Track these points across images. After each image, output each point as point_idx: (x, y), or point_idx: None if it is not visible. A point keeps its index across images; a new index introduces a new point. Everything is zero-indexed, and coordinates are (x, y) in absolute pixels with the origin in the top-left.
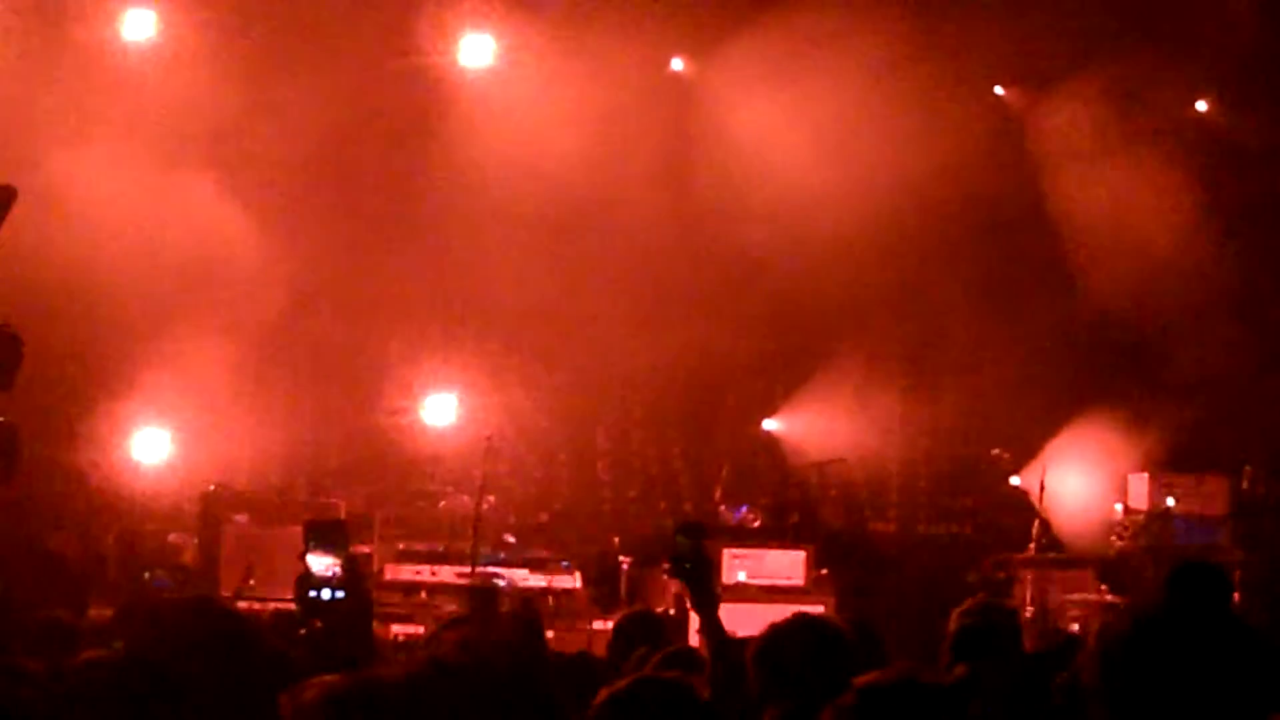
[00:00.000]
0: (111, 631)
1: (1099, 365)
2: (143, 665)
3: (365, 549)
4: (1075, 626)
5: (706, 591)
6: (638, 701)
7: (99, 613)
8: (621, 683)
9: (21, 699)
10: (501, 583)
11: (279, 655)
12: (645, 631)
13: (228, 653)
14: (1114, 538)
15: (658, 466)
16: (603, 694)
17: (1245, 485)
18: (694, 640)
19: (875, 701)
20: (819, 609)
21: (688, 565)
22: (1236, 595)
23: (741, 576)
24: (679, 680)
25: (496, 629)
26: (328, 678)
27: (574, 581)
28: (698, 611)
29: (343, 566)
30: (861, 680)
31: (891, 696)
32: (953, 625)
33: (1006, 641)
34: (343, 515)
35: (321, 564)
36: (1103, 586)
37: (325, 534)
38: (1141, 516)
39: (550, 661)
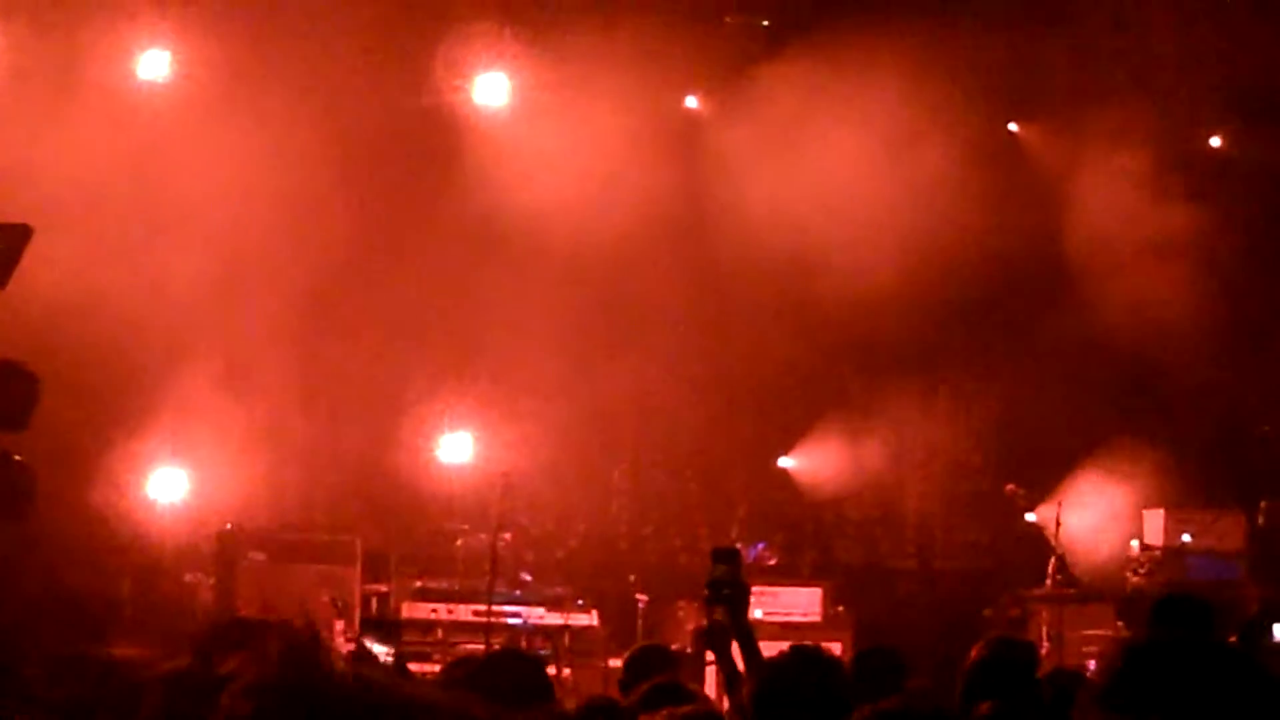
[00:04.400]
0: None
1: (1115, 402)
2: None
3: (382, 587)
4: (1091, 663)
5: (744, 618)
6: None
7: (117, 652)
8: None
9: None
10: (518, 620)
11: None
12: (655, 666)
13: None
14: (1130, 574)
15: (674, 504)
16: None
17: (1261, 521)
18: (711, 677)
19: None
20: (836, 646)
21: (725, 591)
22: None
23: (758, 614)
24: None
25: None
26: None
27: (591, 619)
28: (736, 637)
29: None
30: (875, 706)
31: None
32: (970, 659)
33: (1023, 678)
34: (359, 553)
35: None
36: (1119, 623)
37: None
38: (1158, 552)
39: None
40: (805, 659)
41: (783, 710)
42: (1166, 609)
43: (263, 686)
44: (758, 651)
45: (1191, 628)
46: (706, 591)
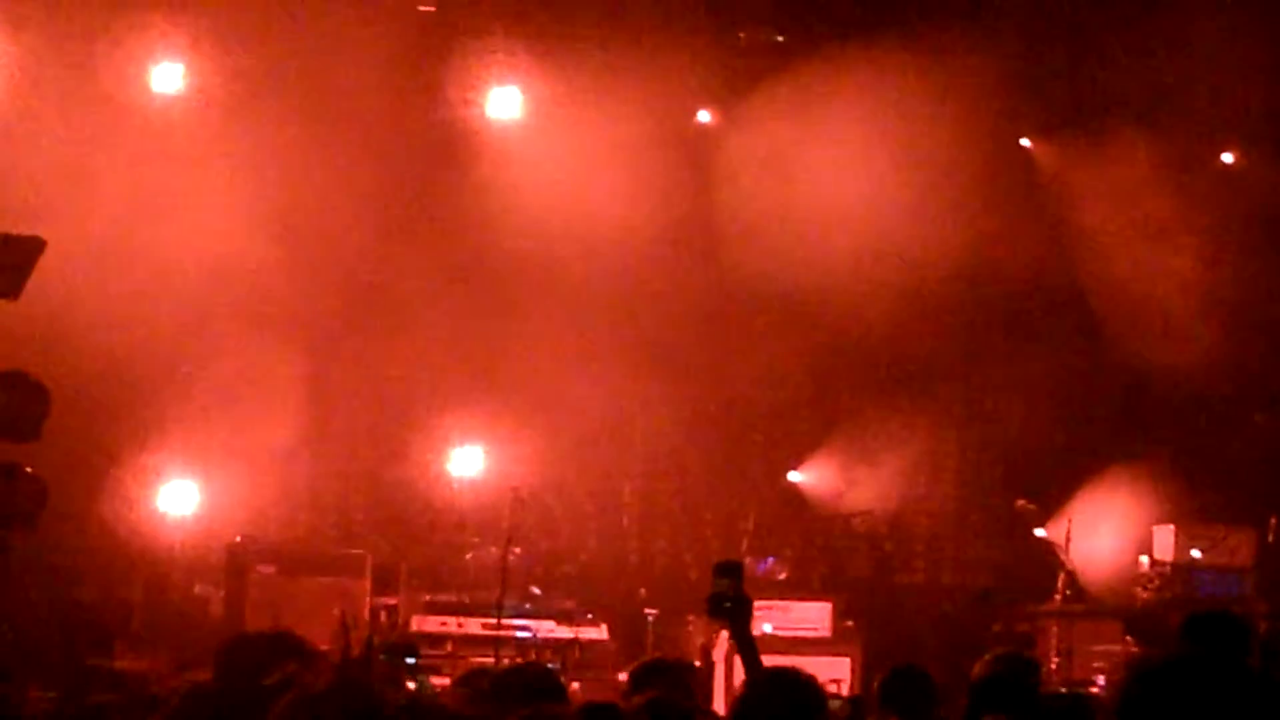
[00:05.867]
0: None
1: (1125, 418)
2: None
3: (392, 600)
4: (1100, 678)
5: (747, 630)
6: None
7: (126, 664)
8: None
9: None
10: (528, 634)
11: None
12: (659, 681)
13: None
14: (1140, 589)
15: (684, 518)
16: None
17: (1270, 537)
18: (719, 692)
19: None
20: (845, 661)
21: (727, 604)
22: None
23: (767, 628)
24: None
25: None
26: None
27: (600, 633)
28: (738, 650)
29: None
30: None
31: None
32: (974, 676)
33: (1026, 694)
34: (369, 566)
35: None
36: (1128, 638)
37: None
38: (1167, 568)
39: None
40: (780, 681)
41: None
42: (1198, 626)
43: (320, 698)
44: (760, 665)
45: (1225, 646)
46: (708, 605)
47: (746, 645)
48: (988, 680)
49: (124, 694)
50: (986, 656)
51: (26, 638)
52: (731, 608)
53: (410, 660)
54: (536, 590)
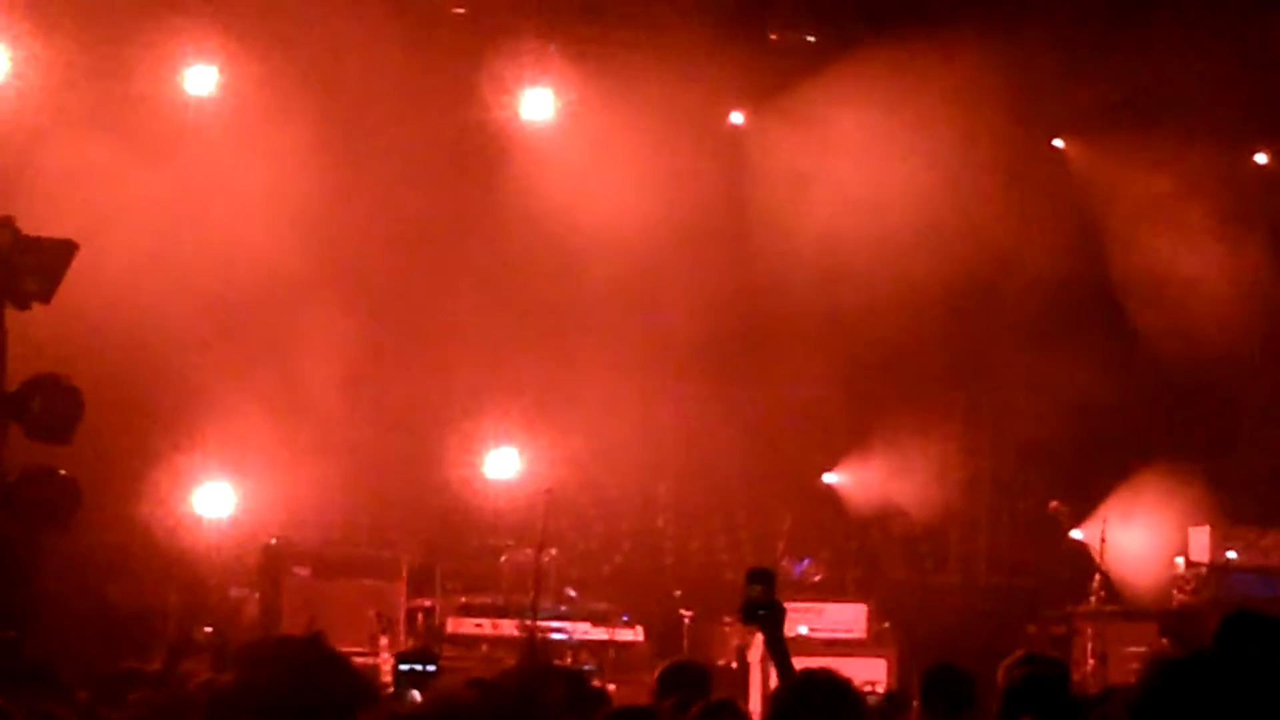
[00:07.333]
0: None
1: (1160, 419)
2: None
3: (427, 602)
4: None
5: (779, 637)
6: None
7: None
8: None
9: None
10: (563, 636)
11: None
12: (685, 681)
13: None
14: (1175, 591)
15: (719, 520)
16: None
17: None
18: (755, 694)
19: None
20: (880, 662)
21: (760, 611)
22: None
23: (803, 630)
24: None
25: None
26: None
27: (635, 634)
28: (771, 656)
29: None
30: None
31: None
32: (1001, 679)
33: (1055, 694)
34: (404, 568)
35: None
36: (1164, 640)
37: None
38: (1203, 569)
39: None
40: (815, 684)
41: None
42: (1233, 627)
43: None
44: (793, 670)
45: (1258, 647)
46: (741, 612)
47: (779, 651)
48: (1017, 681)
49: (158, 695)
50: (1014, 657)
51: (62, 639)
52: (765, 615)
53: (430, 668)
54: (572, 592)
